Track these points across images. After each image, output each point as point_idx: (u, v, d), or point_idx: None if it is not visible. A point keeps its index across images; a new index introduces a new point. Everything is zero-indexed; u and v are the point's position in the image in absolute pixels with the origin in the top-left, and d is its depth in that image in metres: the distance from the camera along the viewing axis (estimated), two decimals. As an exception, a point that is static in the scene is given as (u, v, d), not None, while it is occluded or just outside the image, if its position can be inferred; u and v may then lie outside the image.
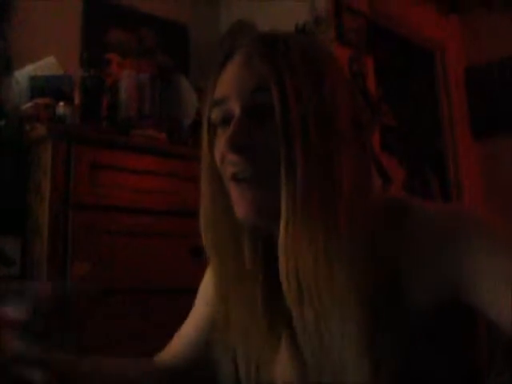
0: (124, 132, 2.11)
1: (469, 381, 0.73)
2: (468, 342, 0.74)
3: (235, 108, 0.73)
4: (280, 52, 0.72)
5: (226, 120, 0.75)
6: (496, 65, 3.88)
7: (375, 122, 2.89)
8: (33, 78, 2.14)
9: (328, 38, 2.69)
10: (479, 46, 3.98)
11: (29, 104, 2.06)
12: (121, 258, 1.94)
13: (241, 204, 0.73)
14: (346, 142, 0.72)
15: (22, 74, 2.18)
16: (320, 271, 0.67)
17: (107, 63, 2.45)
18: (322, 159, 0.69)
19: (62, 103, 2.02)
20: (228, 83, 0.75)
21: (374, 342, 0.66)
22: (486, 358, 0.78)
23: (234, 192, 0.74)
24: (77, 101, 2.12)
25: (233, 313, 0.81)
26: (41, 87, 2.11)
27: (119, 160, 2.00)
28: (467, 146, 3.92)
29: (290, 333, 0.80)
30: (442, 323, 0.69)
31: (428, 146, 3.90)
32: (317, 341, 0.71)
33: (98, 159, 1.94)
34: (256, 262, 0.79)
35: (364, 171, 0.75)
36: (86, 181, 1.89)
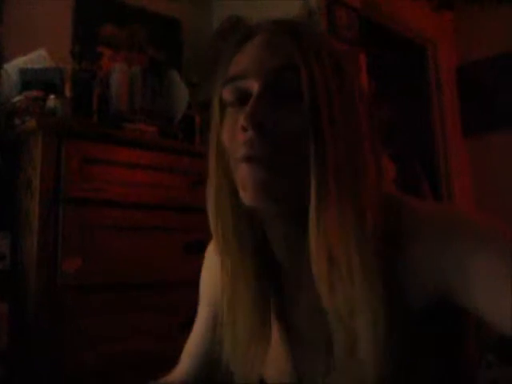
0: (115, 126, 2.10)
1: (460, 377, 0.74)
2: (459, 340, 0.74)
3: (254, 85, 0.70)
4: (305, 35, 0.71)
5: (241, 98, 0.72)
6: (488, 62, 3.90)
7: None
8: (23, 71, 2.12)
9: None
10: (471, 43, 3.99)
11: (19, 97, 2.04)
12: (112, 252, 1.93)
13: (249, 185, 0.69)
14: (365, 135, 0.72)
15: (13, 67, 2.16)
16: (352, 254, 0.66)
17: (99, 57, 2.44)
18: (348, 146, 0.68)
19: (52, 96, 2.01)
20: (248, 61, 0.72)
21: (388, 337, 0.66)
22: (476, 353, 0.78)
23: (243, 173, 0.70)
24: (68, 94, 2.11)
25: (236, 294, 0.79)
26: (31, 80, 2.09)
27: (110, 154, 1.99)
28: (458, 143, 3.94)
29: (284, 325, 0.80)
30: (433, 321, 0.69)
31: (419, 142, 3.91)
32: (344, 325, 0.69)
33: (89, 153, 1.93)
34: (255, 251, 0.78)
35: (377, 165, 0.74)
36: (77, 175, 1.88)
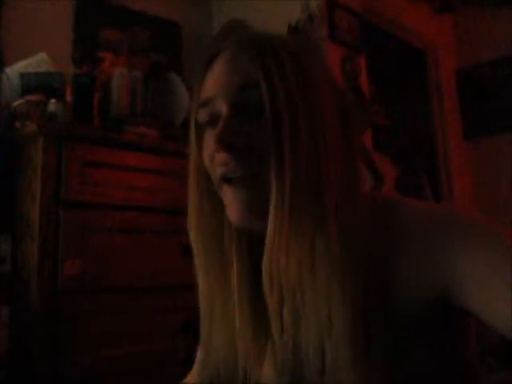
0: (116, 130, 2.10)
1: (461, 380, 0.73)
2: (458, 341, 0.74)
3: (222, 107, 0.72)
4: (267, 50, 0.71)
5: (213, 120, 0.74)
6: (488, 65, 3.90)
7: (368, 121, 2.89)
8: (24, 75, 2.13)
9: (320, 36, 2.70)
10: (472, 46, 4.00)
11: (20, 101, 2.04)
12: (112, 255, 1.93)
13: (234, 206, 0.71)
14: (335, 142, 0.71)
15: (13, 71, 2.16)
16: (303, 271, 0.67)
17: (100, 61, 2.45)
18: (311, 157, 0.68)
19: (53, 100, 2.01)
20: (214, 83, 0.74)
21: (365, 343, 0.66)
22: (477, 356, 0.77)
23: (227, 195, 0.72)
24: (68, 98, 2.11)
25: (217, 315, 0.80)
26: (32, 84, 2.10)
27: (111, 158, 1.99)
28: (458, 146, 3.94)
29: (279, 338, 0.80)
30: (432, 323, 0.68)
31: (420, 145, 3.91)
32: (292, 346, 0.71)
33: (90, 157, 1.93)
34: (242, 264, 0.78)
35: (352, 171, 0.74)
36: (78, 178, 1.88)
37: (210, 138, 0.74)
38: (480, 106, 3.93)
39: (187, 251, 0.84)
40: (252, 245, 0.78)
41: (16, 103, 2.05)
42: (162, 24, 3.02)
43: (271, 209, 0.68)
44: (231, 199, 0.72)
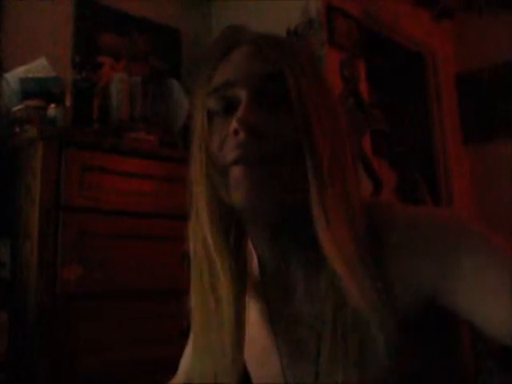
0: (115, 135, 2.11)
1: (456, 381, 0.73)
2: (453, 342, 0.74)
3: (242, 93, 0.71)
4: (288, 46, 0.74)
5: (228, 107, 0.72)
6: (487, 70, 3.91)
7: (367, 126, 2.90)
8: (24, 80, 2.13)
9: (320, 40, 2.70)
10: (470, 52, 4.00)
11: (19, 106, 2.05)
12: (111, 261, 1.93)
13: (243, 185, 0.68)
14: (347, 140, 0.74)
15: (13, 76, 2.17)
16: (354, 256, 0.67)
17: (99, 66, 2.45)
18: (338, 150, 0.70)
19: (53, 105, 2.02)
20: (234, 69, 0.73)
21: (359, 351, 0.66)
22: (472, 358, 0.78)
23: (236, 174, 0.69)
24: (68, 103, 2.12)
25: (210, 320, 0.79)
26: (32, 89, 2.10)
27: (110, 163, 2.00)
28: (458, 151, 3.94)
29: (271, 334, 0.80)
30: (423, 326, 0.68)
31: (419, 150, 3.91)
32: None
33: (89, 162, 1.93)
34: (240, 254, 0.78)
35: (356, 172, 0.76)
36: (77, 184, 1.88)
37: (221, 125, 0.72)
38: (479, 110, 3.93)
39: (188, 257, 0.83)
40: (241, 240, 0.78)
41: (16, 108, 2.05)
42: (162, 29, 3.02)
43: (313, 192, 0.67)
44: (241, 179, 0.69)
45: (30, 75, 2.17)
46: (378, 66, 3.36)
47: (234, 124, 0.68)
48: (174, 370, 1.00)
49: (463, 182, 3.87)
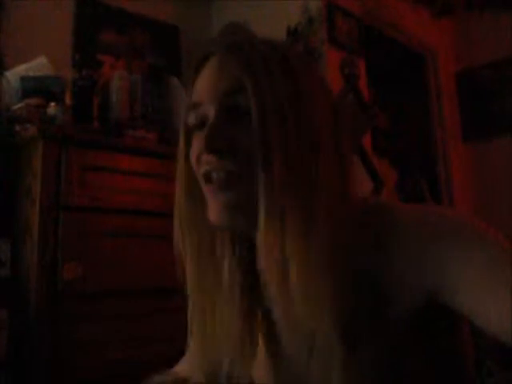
0: (115, 133, 2.11)
1: (456, 381, 0.73)
2: (453, 344, 0.74)
3: (210, 111, 0.73)
4: (255, 55, 0.72)
5: (201, 123, 0.75)
6: (487, 68, 3.90)
7: (367, 124, 2.90)
8: (24, 79, 2.13)
9: (320, 39, 2.70)
10: (470, 49, 4.00)
11: (19, 104, 2.05)
12: (112, 259, 1.93)
13: (214, 206, 0.73)
14: (325, 144, 0.71)
15: (13, 74, 2.16)
16: (296, 270, 0.67)
17: (99, 64, 2.45)
18: (299, 162, 0.69)
19: (53, 104, 2.02)
20: (202, 87, 0.75)
21: (355, 353, 0.66)
22: (473, 360, 0.77)
23: (208, 194, 0.74)
24: (68, 102, 2.12)
25: (209, 319, 0.80)
26: (32, 88, 2.10)
27: (110, 161, 1.99)
28: (458, 149, 3.94)
29: (269, 339, 0.80)
30: (423, 326, 0.68)
31: (419, 148, 3.91)
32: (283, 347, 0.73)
33: (89, 160, 1.93)
34: (233, 264, 0.79)
35: (343, 173, 0.74)
36: (77, 182, 1.88)
37: (197, 140, 0.75)
38: (479, 108, 3.93)
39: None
40: (234, 244, 0.79)
41: (16, 107, 2.05)
42: (162, 27, 3.02)
43: (261, 210, 0.68)
44: (212, 200, 0.73)
45: (30, 74, 2.16)
46: (378, 64, 3.36)
47: (201, 144, 0.72)
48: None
49: (463, 180, 3.87)
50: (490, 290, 0.60)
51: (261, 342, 0.80)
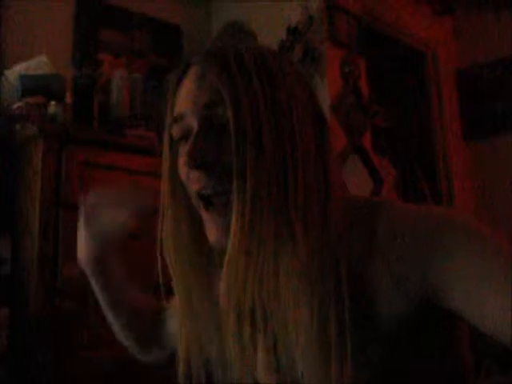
0: (115, 132, 2.11)
1: (455, 381, 0.73)
2: (450, 344, 0.73)
3: (193, 123, 0.73)
4: (234, 65, 0.71)
5: (186, 135, 0.75)
6: (487, 66, 3.90)
7: (367, 123, 2.90)
8: (24, 77, 2.13)
9: (320, 38, 2.70)
10: (471, 48, 4.00)
11: (20, 103, 2.05)
12: (112, 257, 1.93)
13: (211, 230, 0.73)
14: (304, 148, 0.71)
15: (14, 73, 2.17)
16: (265, 287, 0.67)
17: (100, 63, 2.45)
18: (275, 171, 0.68)
19: (53, 102, 2.02)
20: (184, 99, 0.75)
21: (335, 353, 0.66)
22: (470, 361, 0.77)
23: (205, 217, 0.74)
24: (68, 100, 2.12)
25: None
26: (32, 86, 2.10)
27: (110, 160, 2.00)
28: (458, 147, 3.94)
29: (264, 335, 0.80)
30: (421, 326, 0.68)
31: (419, 147, 3.91)
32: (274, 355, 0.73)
33: (90, 159, 1.93)
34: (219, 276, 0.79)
35: (324, 179, 0.73)
36: (77, 180, 1.88)
37: (183, 154, 0.75)
38: (480, 107, 3.92)
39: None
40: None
41: (16, 105, 2.05)
42: (162, 26, 3.02)
43: (232, 221, 0.68)
44: (210, 223, 0.74)
45: (31, 72, 2.17)
46: (378, 62, 3.35)
47: (185, 161, 0.72)
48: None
49: (464, 178, 3.87)
50: (487, 290, 0.60)
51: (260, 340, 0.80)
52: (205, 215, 0.74)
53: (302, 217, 0.68)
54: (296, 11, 2.76)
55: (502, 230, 0.66)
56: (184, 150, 0.74)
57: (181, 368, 0.82)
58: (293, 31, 2.72)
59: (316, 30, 2.73)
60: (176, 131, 0.76)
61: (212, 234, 0.73)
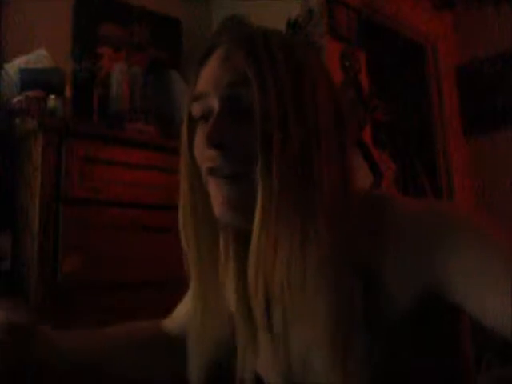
0: (115, 126, 2.10)
1: (454, 379, 0.73)
2: (452, 339, 0.74)
3: (214, 103, 0.73)
4: (260, 47, 0.71)
5: (206, 115, 0.75)
6: (488, 61, 3.89)
7: (367, 117, 2.89)
8: (23, 71, 2.12)
9: (320, 31, 2.69)
10: (471, 42, 3.99)
11: (19, 97, 2.04)
12: (112, 252, 1.93)
13: (217, 200, 0.73)
14: (327, 139, 0.71)
15: (13, 67, 2.16)
16: (292, 272, 0.67)
17: (99, 57, 2.44)
18: (300, 156, 0.68)
19: (52, 96, 2.01)
20: (207, 79, 0.75)
21: (349, 347, 0.66)
22: (471, 355, 0.77)
23: (212, 188, 0.74)
24: (68, 94, 2.11)
25: (207, 312, 0.81)
26: (31, 80, 2.09)
27: (110, 154, 1.99)
28: (458, 142, 3.94)
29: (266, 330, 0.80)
30: (423, 321, 0.68)
31: (419, 141, 3.91)
32: (284, 348, 0.73)
33: (89, 153, 1.93)
34: (229, 260, 0.80)
35: (345, 169, 0.73)
36: (77, 175, 1.88)
37: (201, 133, 0.75)
38: (480, 102, 3.92)
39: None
40: (239, 243, 0.79)
41: (15, 99, 2.05)
42: (162, 20, 3.01)
43: (257, 208, 0.68)
44: (216, 194, 0.73)
45: (30, 66, 2.16)
46: (378, 56, 3.35)
47: (203, 140, 0.72)
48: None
49: (464, 174, 3.87)
50: (488, 285, 0.61)
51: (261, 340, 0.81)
52: (211, 187, 0.74)
53: (325, 207, 0.68)
54: (296, 5, 2.75)
55: (501, 226, 0.66)
56: (202, 129, 0.74)
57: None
58: (293, 25, 2.71)
59: (316, 23, 2.72)
60: (196, 109, 0.76)
61: (217, 205, 0.73)
